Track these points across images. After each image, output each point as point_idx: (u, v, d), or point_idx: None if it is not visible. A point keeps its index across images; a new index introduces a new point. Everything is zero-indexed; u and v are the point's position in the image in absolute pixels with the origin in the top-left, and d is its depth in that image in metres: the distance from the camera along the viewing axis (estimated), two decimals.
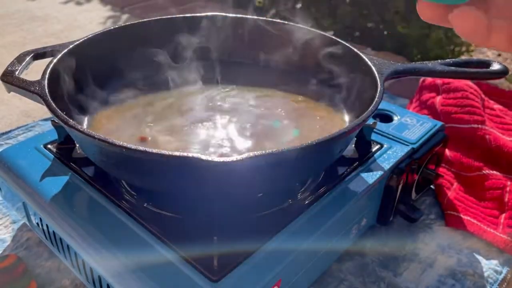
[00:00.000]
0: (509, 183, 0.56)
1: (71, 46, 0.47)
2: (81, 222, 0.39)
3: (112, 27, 0.53)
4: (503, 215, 0.53)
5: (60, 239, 0.41)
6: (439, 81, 0.67)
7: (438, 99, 0.66)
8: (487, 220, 0.53)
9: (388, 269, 0.47)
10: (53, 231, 0.41)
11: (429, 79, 0.69)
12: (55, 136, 0.47)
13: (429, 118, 0.56)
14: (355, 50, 0.49)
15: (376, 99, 0.40)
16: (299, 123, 0.47)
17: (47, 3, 1.36)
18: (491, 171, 0.58)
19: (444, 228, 0.53)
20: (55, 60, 0.44)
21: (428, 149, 0.51)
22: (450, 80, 0.66)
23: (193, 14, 0.57)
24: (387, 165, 0.47)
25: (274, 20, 0.56)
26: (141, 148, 0.31)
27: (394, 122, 0.55)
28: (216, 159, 0.29)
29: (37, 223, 0.44)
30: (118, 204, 0.40)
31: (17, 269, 0.43)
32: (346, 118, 0.49)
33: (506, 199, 0.54)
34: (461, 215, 0.53)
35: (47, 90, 0.39)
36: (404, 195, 0.50)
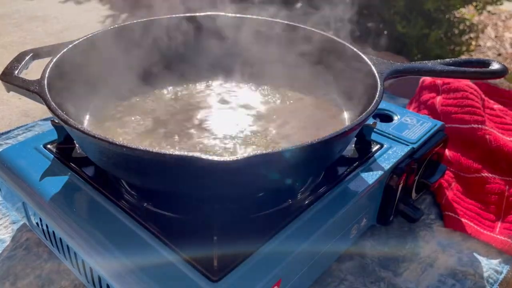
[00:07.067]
0: (507, 187, 0.56)
1: (70, 46, 0.47)
2: (81, 222, 0.39)
3: (111, 27, 0.53)
4: (499, 224, 0.53)
5: (60, 239, 0.41)
6: (439, 81, 0.67)
7: (438, 99, 0.66)
8: (483, 224, 0.53)
9: (388, 269, 0.47)
10: (53, 231, 0.41)
11: (429, 79, 0.69)
12: (55, 136, 0.47)
13: (429, 117, 0.56)
14: (355, 50, 0.49)
15: (376, 98, 0.40)
16: (298, 123, 0.47)
17: (47, 3, 1.36)
18: (490, 174, 0.58)
19: (444, 228, 0.53)
20: (54, 60, 0.44)
21: (428, 149, 0.51)
22: (450, 80, 0.66)
23: (194, 14, 0.57)
24: (387, 165, 0.47)
25: (274, 20, 0.56)
26: (141, 147, 0.31)
27: (394, 122, 0.55)
28: (216, 158, 0.29)
29: (37, 223, 0.44)
30: (118, 204, 0.40)
31: None
32: (346, 117, 0.49)
33: (503, 207, 0.54)
34: (459, 217, 0.53)
35: (47, 90, 0.39)
36: (404, 195, 0.50)
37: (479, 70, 0.45)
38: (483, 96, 0.67)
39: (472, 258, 0.49)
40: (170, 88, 0.53)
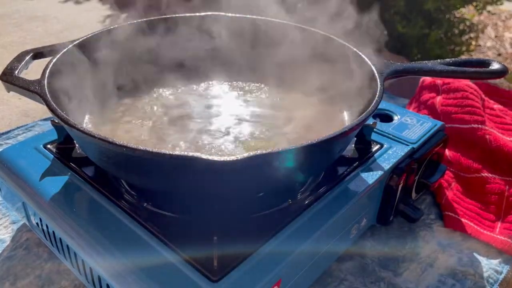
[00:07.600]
0: (507, 187, 0.56)
1: (70, 46, 0.47)
2: (81, 222, 0.39)
3: (111, 26, 0.53)
4: (499, 224, 0.53)
5: (60, 239, 0.41)
6: (439, 81, 0.67)
7: (438, 99, 0.66)
8: (483, 224, 0.53)
9: (388, 269, 0.47)
10: (53, 231, 0.41)
11: (429, 79, 0.69)
12: (55, 136, 0.47)
13: (429, 117, 0.56)
14: (355, 50, 0.49)
15: (376, 98, 0.40)
16: (298, 123, 0.47)
17: (47, 3, 1.36)
18: (490, 174, 0.58)
19: (444, 228, 0.53)
20: (54, 59, 0.44)
21: (428, 149, 0.51)
22: (450, 80, 0.66)
23: (193, 14, 0.57)
24: (387, 165, 0.47)
25: (274, 20, 0.56)
26: (141, 147, 0.31)
27: (394, 122, 0.55)
28: (216, 158, 0.29)
29: (37, 223, 0.44)
30: (118, 204, 0.40)
31: None
32: (346, 117, 0.49)
33: (503, 207, 0.54)
34: (459, 217, 0.53)
35: (47, 90, 0.39)
36: (404, 195, 0.49)
37: (479, 70, 0.45)
38: (483, 96, 0.67)
39: (472, 258, 0.49)
40: (171, 88, 0.53)
